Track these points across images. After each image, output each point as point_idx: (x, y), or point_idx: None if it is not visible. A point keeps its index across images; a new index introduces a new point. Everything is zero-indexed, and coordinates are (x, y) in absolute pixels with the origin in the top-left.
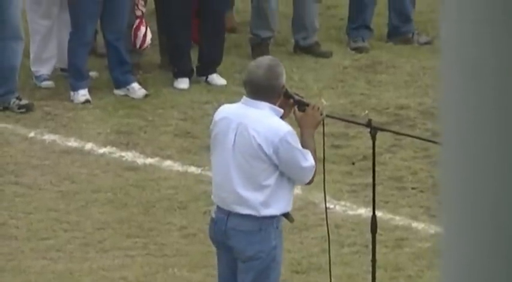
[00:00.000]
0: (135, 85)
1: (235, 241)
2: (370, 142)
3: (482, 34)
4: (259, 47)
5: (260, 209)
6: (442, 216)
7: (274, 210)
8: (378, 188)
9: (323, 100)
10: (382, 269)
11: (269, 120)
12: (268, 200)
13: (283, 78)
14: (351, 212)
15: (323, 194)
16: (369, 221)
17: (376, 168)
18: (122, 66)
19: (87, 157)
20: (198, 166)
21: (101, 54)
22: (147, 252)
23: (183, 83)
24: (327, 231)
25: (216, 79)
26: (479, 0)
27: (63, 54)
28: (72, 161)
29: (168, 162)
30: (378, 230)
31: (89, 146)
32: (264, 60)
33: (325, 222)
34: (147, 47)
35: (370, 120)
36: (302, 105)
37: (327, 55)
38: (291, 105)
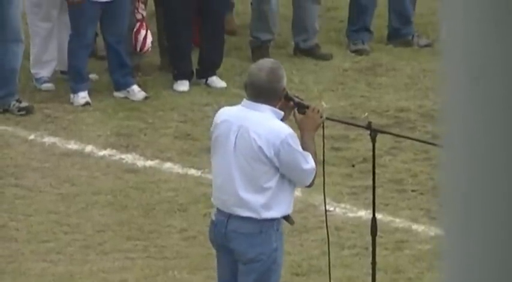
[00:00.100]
0: (135, 87)
1: (236, 243)
2: (370, 144)
3: (487, 33)
4: (259, 49)
5: (261, 212)
6: (443, 219)
7: (275, 212)
8: (378, 191)
9: (323, 102)
10: (382, 271)
11: (270, 123)
12: (269, 203)
13: (285, 81)
14: (351, 214)
15: (323, 197)
16: (369, 223)
17: (376, 171)
18: (122, 68)
19: (87, 159)
20: (198, 168)
21: (101, 56)
22: (147, 255)
23: (182, 85)
24: (326, 233)
25: (216, 81)
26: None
27: (63, 56)
28: (72, 164)
29: (168, 165)
30: (378, 232)
31: (89, 148)
32: (266, 63)
33: (325, 224)
34: (147, 50)
35: (370, 123)
36: (302, 108)
37: (327, 57)
38: (291, 107)
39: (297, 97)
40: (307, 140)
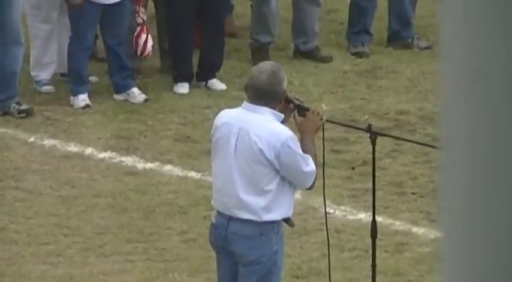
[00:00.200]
0: (135, 90)
1: (236, 246)
2: (370, 147)
3: (487, 35)
4: (259, 51)
5: (261, 214)
6: (443, 221)
7: (275, 215)
8: (378, 193)
9: (323, 105)
10: (382, 274)
11: (270, 125)
12: (270, 205)
13: (285, 84)
14: (351, 217)
15: (323, 199)
16: (369, 225)
17: (376, 173)
18: (122, 71)
19: (87, 162)
20: (198, 171)
21: (101, 59)
22: (148, 257)
23: (182, 88)
24: (326, 236)
25: (216, 84)
26: (485, 0)
27: (63, 59)
28: (72, 166)
29: (168, 167)
30: (378, 235)
31: (89, 150)
32: (267, 65)
33: (325, 227)
34: (148, 54)
35: (370, 125)
36: (302, 110)
37: (327, 60)
38: (291, 110)
39: (297, 99)
40: (307, 142)
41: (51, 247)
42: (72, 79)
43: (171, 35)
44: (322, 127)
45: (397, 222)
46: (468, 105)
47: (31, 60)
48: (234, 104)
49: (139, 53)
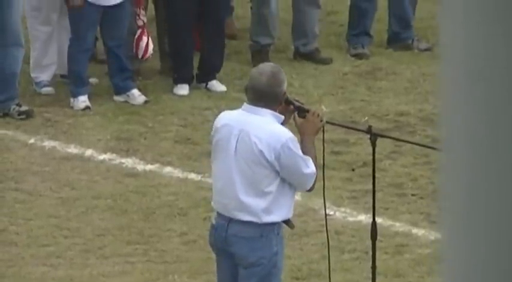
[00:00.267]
0: (135, 91)
1: (237, 248)
2: (370, 148)
3: (488, 36)
4: (259, 53)
5: (262, 216)
6: (442, 222)
7: (275, 216)
8: (378, 195)
9: (323, 106)
10: (382, 276)
11: (271, 127)
12: (270, 207)
13: (285, 85)
14: (351, 219)
15: (323, 201)
16: (369, 227)
17: (376, 175)
18: (122, 72)
19: (87, 163)
20: (198, 172)
21: (101, 60)
22: (148, 259)
23: (182, 89)
24: (326, 237)
25: (216, 86)
26: (485, 1)
27: (63, 60)
28: (72, 168)
29: (168, 169)
30: (378, 237)
31: (89, 152)
32: (267, 67)
33: (325, 228)
34: (149, 57)
35: (370, 127)
36: (302, 112)
37: (327, 61)
38: (291, 111)
39: (297, 101)
40: (307, 144)
41: (51, 249)
42: (72, 81)
43: (172, 36)
44: (322, 129)
45: (397, 224)
46: (468, 106)
47: (31, 61)
48: (234, 105)
49: (140, 56)
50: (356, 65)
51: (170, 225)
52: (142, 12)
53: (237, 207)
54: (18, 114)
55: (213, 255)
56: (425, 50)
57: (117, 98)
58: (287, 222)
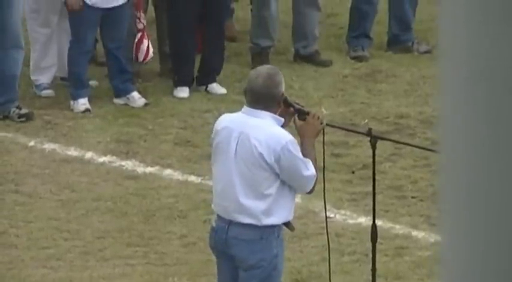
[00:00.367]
0: (135, 94)
1: (236, 250)
2: (370, 151)
3: (488, 37)
4: (259, 56)
5: (261, 218)
6: (442, 225)
7: (275, 219)
8: (378, 197)
9: (323, 109)
10: (382, 278)
11: (270, 129)
12: (270, 209)
13: (283, 87)
14: (351, 221)
15: (323, 203)
16: (369, 229)
17: (376, 177)
18: (121, 75)
19: (87, 166)
20: (198, 175)
21: (101, 63)
22: (147, 261)
23: (182, 92)
24: (327, 239)
25: (216, 88)
26: (486, 1)
27: (63, 63)
28: (72, 170)
29: (168, 171)
30: (378, 239)
31: (89, 154)
32: (263, 69)
33: (325, 230)
34: (149, 60)
35: (370, 129)
36: (302, 114)
37: (327, 64)
38: (291, 114)
39: (297, 103)
40: (307, 146)
41: (51, 251)
42: (72, 83)
43: (173, 38)
44: (322, 131)
45: (397, 226)
46: (468, 107)
47: (31, 64)
48: (234, 108)
49: (141, 60)
50: (356, 68)
51: (170, 228)
52: (143, 15)
53: (236, 210)
54: (18, 117)
55: (213, 258)
56: (425, 52)
57: (117, 100)
58: (287, 224)
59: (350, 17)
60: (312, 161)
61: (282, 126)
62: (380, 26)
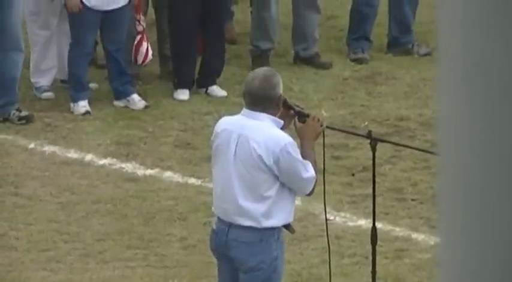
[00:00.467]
0: (135, 96)
1: (236, 252)
2: (370, 153)
3: (485, 38)
4: (259, 58)
5: (261, 220)
6: (440, 227)
7: (275, 221)
8: (378, 199)
9: (323, 111)
10: (382, 280)
11: (269, 131)
12: (269, 211)
13: (280, 88)
14: (351, 223)
15: (323, 205)
16: (369, 232)
17: (376, 180)
18: (121, 77)
19: (87, 168)
20: (198, 177)
21: (101, 65)
22: (147, 264)
23: (183, 94)
24: (327, 242)
25: (216, 91)
26: (484, 1)
27: (63, 65)
28: (72, 172)
29: (168, 173)
30: (378, 241)
31: (89, 157)
32: (260, 71)
33: (325, 233)
34: (148, 62)
35: (370, 132)
36: (302, 116)
37: (327, 66)
38: (292, 116)
39: (297, 106)
40: (307, 148)
41: (51, 253)
42: (72, 85)
43: (174, 40)
44: (322, 133)
45: (397, 229)
46: (466, 109)
47: (31, 66)
48: (235, 110)
49: (140, 62)
50: (356, 70)
51: (170, 230)
52: (142, 17)
53: (236, 212)
54: (19, 119)
55: (213, 260)
56: (425, 54)
57: (117, 102)
58: (287, 226)
59: (350, 19)
60: (311, 163)
61: (282, 128)
62: (380, 28)
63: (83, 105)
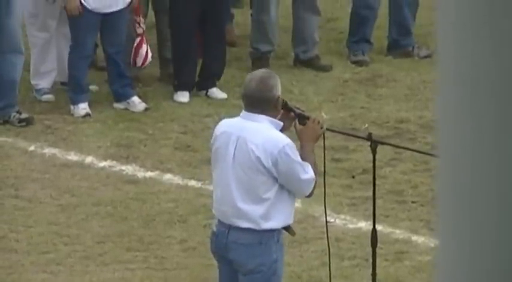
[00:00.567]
0: (135, 99)
1: (236, 254)
2: (370, 155)
3: (482, 41)
4: (259, 60)
5: (260, 223)
6: (438, 229)
7: (274, 223)
8: (378, 202)
9: (323, 113)
10: None
11: (268, 133)
12: (268, 213)
13: (277, 90)
14: (351, 226)
15: (323, 207)
16: (369, 234)
17: (376, 182)
18: (121, 79)
19: (87, 170)
20: (198, 179)
21: (101, 67)
22: (147, 266)
23: (183, 97)
24: (327, 244)
25: (217, 93)
26: (476, 2)
27: (63, 67)
28: (72, 175)
29: (168, 176)
30: (378, 244)
31: (89, 159)
32: (257, 72)
33: (325, 235)
34: (147, 64)
35: (370, 134)
36: (303, 119)
37: (327, 68)
38: (292, 118)
39: (298, 108)
40: (307, 150)
41: (51, 256)
42: (72, 88)
43: (175, 42)
44: (322, 136)
45: (397, 231)
46: (464, 112)
47: (31, 68)
48: (235, 112)
49: (139, 64)
50: (356, 72)
51: (170, 232)
52: (142, 20)
53: (235, 215)
54: (19, 122)
55: (213, 262)
56: (426, 57)
57: (117, 105)
58: (288, 229)
59: (350, 22)
60: (311, 165)
61: (282, 130)
62: (380, 31)
63: (83, 108)
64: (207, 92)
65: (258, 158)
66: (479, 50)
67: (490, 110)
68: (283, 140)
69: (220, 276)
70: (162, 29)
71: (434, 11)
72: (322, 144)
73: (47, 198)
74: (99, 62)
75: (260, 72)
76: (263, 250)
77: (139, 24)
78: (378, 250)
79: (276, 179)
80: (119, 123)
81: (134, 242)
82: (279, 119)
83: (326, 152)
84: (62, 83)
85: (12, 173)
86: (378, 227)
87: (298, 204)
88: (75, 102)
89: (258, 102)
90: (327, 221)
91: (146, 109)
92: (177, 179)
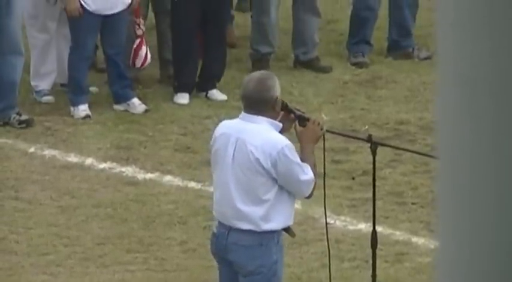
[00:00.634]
0: (135, 100)
1: (236, 256)
2: (370, 157)
3: (480, 42)
4: (259, 62)
5: (260, 224)
6: (438, 230)
7: (274, 224)
8: (378, 203)
9: (323, 115)
10: None
11: (267, 134)
12: (268, 215)
13: (275, 91)
14: (351, 227)
15: (323, 209)
16: (369, 235)
17: (376, 183)
18: (121, 81)
19: (87, 172)
20: (198, 181)
21: (101, 69)
22: (147, 267)
23: (183, 98)
24: (327, 246)
25: (216, 94)
26: (475, 2)
27: (63, 69)
28: (72, 176)
29: (168, 177)
30: (378, 245)
31: (89, 161)
32: (256, 74)
33: (325, 237)
34: (146, 66)
35: (370, 135)
36: (303, 120)
37: (327, 70)
38: (292, 120)
39: (298, 110)
40: (307, 152)
41: (51, 257)
42: (72, 89)
43: (175, 43)
44: (322, 137)
45: (397, 232)
46: (464, 113)
47: (31, 70)
48: (235, 114)
49: (139, 65)
50: (356, 74)
51: (170, 234)
52: (142, 21)
53: (235, 216)
54: (19, 123)
55: (213, 264)
56: (426, 58)
57: (117, 106)
58: (288, 230)
59: (350, 23)
60: (311, 167)
61: (281, 132)
62: (380, 32)
63: (83, 109)
64: (207, 93)
65: (257, 160)
66: (479, 51)
67: (489, 111)
68: (282, 141)
69: (220, 277)
70: (163, 30)
71: (435, 12)
72: (322, 145)
73: (47, 200)
74: (99, 64)
75: (258, 73)
76: (263, 251)
77: (139, 25)
78: (378, 251)
79: (275, 180)
80: (118, 125)
81: (134, 244)
82: (279, 121)
83: (326, 153)
84: (62, 85)
85: (12, 174)
86: (378, 229)
87: (298, 205)
88: (75, 104)
89: (256, 103)
90: (326, 223)
91: (146, 111)
92: (177, 181)
